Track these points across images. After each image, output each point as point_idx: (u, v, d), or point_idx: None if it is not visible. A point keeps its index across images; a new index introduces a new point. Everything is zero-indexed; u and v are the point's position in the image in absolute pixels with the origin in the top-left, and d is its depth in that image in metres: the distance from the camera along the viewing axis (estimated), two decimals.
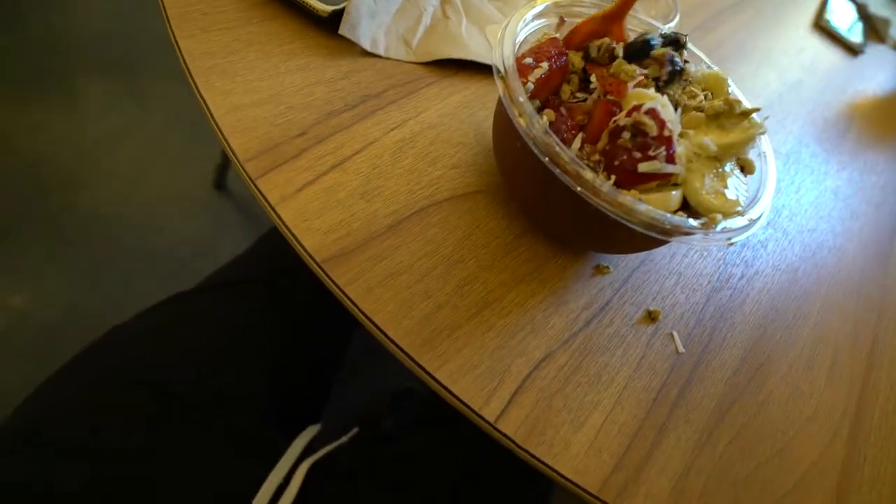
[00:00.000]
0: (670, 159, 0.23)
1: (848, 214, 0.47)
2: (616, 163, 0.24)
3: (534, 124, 0.24)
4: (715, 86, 0.30)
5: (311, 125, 0.32)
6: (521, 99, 0.24)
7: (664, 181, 0.24)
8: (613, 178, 0.24)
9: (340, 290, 0.26)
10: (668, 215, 0.23)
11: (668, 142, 0.23)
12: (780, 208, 0.44)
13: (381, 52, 0.37)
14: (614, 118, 0.25)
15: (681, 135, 0.25)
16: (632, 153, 0.23)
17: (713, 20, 0.59)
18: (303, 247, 0.27)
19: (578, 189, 0.23)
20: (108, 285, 0.85)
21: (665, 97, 0.25)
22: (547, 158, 0.24)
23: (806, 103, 0.57)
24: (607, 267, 0.32)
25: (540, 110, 0.27)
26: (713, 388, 0.31)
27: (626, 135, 0.24)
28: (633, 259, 0.34)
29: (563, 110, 0.28)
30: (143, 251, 0.91)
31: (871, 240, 0.46)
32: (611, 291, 0.32)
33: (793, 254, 0.41)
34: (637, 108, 0.24)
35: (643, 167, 0.23)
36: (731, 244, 0.28)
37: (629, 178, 0.24)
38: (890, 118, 0.64)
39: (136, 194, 0.97)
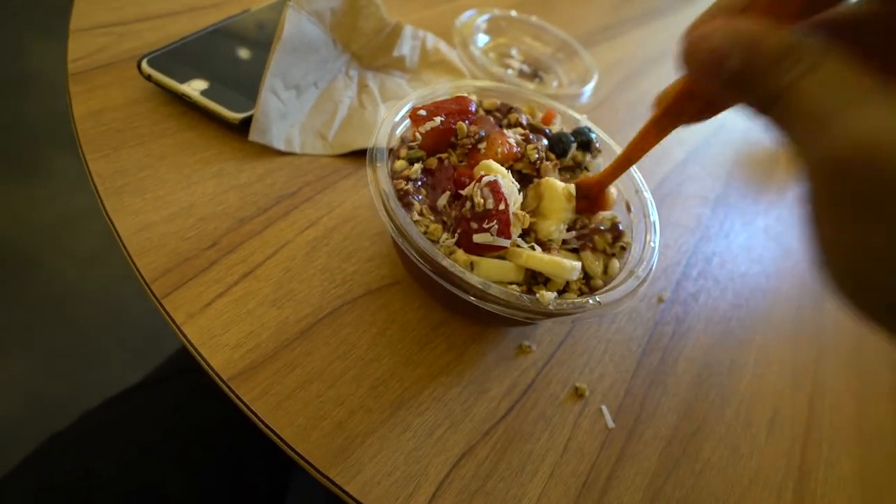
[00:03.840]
0: (503, 233, 0.24)
1: (780, 253, 0.48)
2: (458, 230, 0.25)
3: (396, 213, 0.25)
4: None
5: (222, 234, 0.32)
6: (386, 187, 0.25)
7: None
8: (457, 237, 0.25)
9: (247, 406, 0.26)
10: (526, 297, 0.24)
11: (502, 215, 0.24)
12: (711, 255, 0.45)
13: (296, 149, 0.38)
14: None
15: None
16: (469, 223, 0.24)
17: (633, 76, 0.62)
18: (209, 365, 0.27)
19: (452, 288, 0.24)
20: (74, 370, 0.84)
21: (507, 171, 0.26)
22: (428, 266, 0.24)
23: (732, 144, 0.59)
24: (529, 346, 0.32)
25: (425, 159, 0.29)
26: (646, 463, 0.30)
27: (468, 204, 0.25)
28: (558, 333, 0.34)
29: (446, 162, 0.29)
30: (109, 330, 0.91)
31: (805, 277, 0.47)
32: (534, 371, 0.32)
33: (725, 303, 0.41)
34: (480, 178, 0.25)
35: (477, 238, 0.24)
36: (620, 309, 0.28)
37: (469, 246, 0.25)
38: None
39: (100, 273, 0.97)
